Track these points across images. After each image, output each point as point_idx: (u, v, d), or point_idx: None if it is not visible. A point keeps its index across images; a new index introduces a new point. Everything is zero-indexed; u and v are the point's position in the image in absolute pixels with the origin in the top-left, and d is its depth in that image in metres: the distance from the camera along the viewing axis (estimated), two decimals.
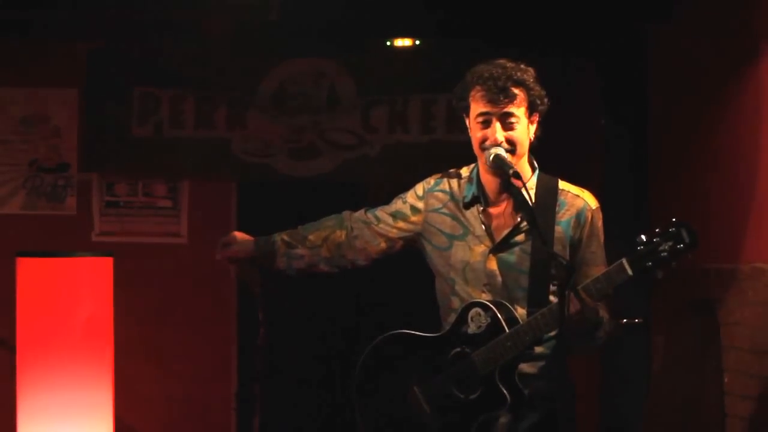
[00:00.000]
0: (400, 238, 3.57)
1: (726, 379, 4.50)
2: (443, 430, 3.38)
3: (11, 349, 4.61)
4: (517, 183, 3.29)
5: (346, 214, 3.64)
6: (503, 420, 3.33)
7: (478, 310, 3.33)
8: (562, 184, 3.43)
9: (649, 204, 5.13)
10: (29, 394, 4.43)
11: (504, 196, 3.40)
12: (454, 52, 5.41)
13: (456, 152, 5.70)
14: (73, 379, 4.42)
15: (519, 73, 3.33)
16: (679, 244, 3.07)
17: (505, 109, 3.32)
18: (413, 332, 3.47)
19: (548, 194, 3.39)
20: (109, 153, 5.61)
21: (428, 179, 3.59)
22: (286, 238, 3.63)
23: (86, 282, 4.49)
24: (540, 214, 3.33)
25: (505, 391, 3.25)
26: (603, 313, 3.32)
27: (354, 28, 5.33)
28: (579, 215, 3.37)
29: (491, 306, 3.31)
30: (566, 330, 3.13)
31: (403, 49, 5.69)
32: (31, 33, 5.36)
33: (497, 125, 3.33)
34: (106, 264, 4.57)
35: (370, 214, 3.61)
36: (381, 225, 3.57)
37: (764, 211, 4.31)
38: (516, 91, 3.32)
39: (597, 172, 5.27)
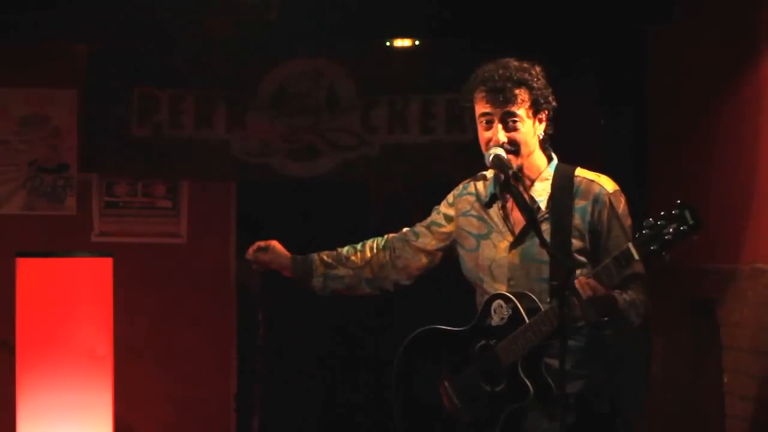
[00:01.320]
0: (438, 250, 3.59)
1: (725, 380, 4.50)
2: (473, 423, 3.39)
3: (11, 349, 4.60)
4: (516, 184, 3.28)
5: (388, 236, 3.67)
6: (535, 417, 3.29)
7: (500, 301, 3.33)
8: (579, 171, 3.39)
9: (648, 204, 5.12)
10: (29, 394, 4.43)
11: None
12: (453, 52, 5.41)
13: (455, 152, 5.70)
14: (73, 379, 4.41)
15: (520, 73, 3.32)
16: (683, 226, 3.05)
17: (506, 110, 3.32)
18: (444, 327, 3.48)
19: (564, 182, 3.35)
20: (108, 153, 5.60)
21: (458, 186, 3.59)
22: (325, 258, 3.65)
23: (86, 282, 4.49)
24: (557, 202, 3.32)
25: (527, 382, 3.24)
26: (632, 296, 3.26)
27: (354, 29, 5.33)
28: (595, 200, 3.32)
29: (512, 297, 3.30)
30: (566, 327, 3.08)
31: (403, 50, 5.69)
32: (31, 33, 5.35)
33: (499, 126, 3.33)
34: (106, 264, 4.57)
35: (409, 232, 3.64)
36: (420, 240, 3.60)
37: (764, 211, 4.31)
38: (517, 91, 3.30)
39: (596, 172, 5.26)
